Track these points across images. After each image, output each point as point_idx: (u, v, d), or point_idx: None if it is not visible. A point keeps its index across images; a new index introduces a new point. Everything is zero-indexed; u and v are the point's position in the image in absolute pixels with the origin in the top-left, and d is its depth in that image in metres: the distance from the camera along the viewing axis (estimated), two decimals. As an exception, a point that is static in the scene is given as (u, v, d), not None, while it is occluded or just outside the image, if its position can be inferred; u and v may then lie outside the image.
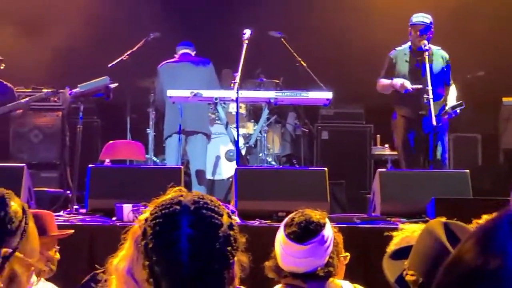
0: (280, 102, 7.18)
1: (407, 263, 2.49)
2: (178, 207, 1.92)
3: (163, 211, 1.93)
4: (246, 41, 7.13)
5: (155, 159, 8.88)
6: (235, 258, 1.98)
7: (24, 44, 9.33)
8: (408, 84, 7.23)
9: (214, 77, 8.15)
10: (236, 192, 5.78)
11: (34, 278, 1.98)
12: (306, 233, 3.05)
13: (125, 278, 2.57)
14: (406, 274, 2.47)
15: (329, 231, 3.11)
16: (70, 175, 6.78)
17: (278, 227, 5.15)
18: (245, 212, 5.54)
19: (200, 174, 8.03)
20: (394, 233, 3.28)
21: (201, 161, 8.11)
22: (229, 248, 1.92)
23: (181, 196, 2.00)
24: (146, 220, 2.00)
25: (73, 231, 4.17)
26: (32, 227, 1.97)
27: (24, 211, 1.96)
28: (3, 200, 1.92)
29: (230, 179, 8.49)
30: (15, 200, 1.96)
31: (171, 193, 2.51)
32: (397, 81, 7.30)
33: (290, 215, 3.16)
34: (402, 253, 2.63)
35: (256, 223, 5.42)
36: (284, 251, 3.08)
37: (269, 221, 5.51)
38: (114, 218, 5.55)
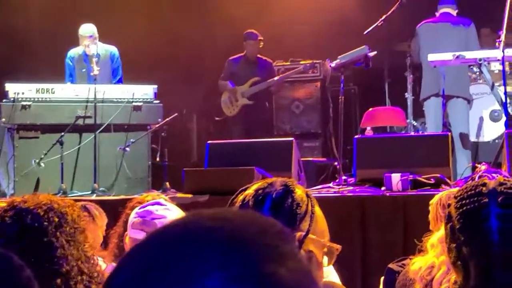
0: (551, 57, 6.71)
1: None
2: (484, 188, 1.91)
3: (468, 193, 1.93)
4: (511, -4, 6.71)
5: (414, 123, 8.76)
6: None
7: (281, 18, 9.60)
8: None
9: (474, 38, 7.78)
10: (508, 156, 5.52)
11: (325, 258, 2.03)
12: None
13: None
14: None
15: None
16: (335, 145, 6.90)
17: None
18: (520, 177, 5.27)
19: (464, 138, 7.78)
20: None
21: (463, 125, 7.85)
22: None
23: (484, 179, 1.99)
24: (448, 205, 2.00)
25: None
26: (318, 210, 2.03)
27: (308, 195, 2.02)
28: (288, 188, 2.00)
29: (496, 141, 8.15)
30: (298, 187, 2.03)
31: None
32: None
33: None
34: None
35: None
36: None
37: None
38: (383, 188, 5.56)
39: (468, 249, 1.89)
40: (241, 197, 2.02)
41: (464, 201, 1.92)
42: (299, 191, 2.01)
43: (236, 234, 0.84)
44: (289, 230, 0.90)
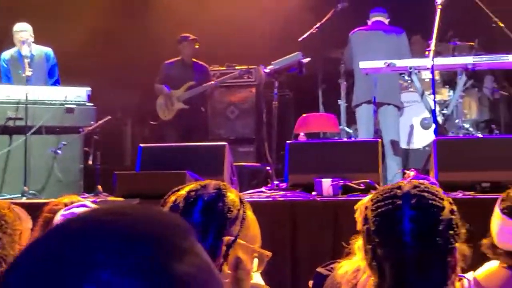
0: (478, 68, 6.87)
1: None
2: (398, 191, 1.95)
3: (384, 195, 1.96)
4: (440, 6, 6.86)
5: (348, 129, 8.87)
6: (457, 245, 1.97)
7: (214, 22, 9.60)
8: None
9: (406, 47, 7.95)
10: (436, 163, 5.64)
11: (255, 262, 2.04)
12: None
13: None
14: None
15: (551, 209, 2.94)
16: (269, 151, 6.94)
17: (482, 199, 5.02)
18: (446, 183, 5.39)
19: (394, 144, 7.93)
20: None
21: (394, 132, 7.99)
22: (451, 232, 1.93)
23: (401, 182, 2.04)
24: (366, 208, 2.03)
25: None
26: (251, 215, 2.03)
27: (241, 201, 2.02)
28: (220, 192, 2.00)
29: (426, 148, 8.32)
30: (231, 191, 2.03)
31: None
32: None
33: (507, 190, 3.02)
34: None
35: (459, 195, 5.26)
36: (499, 226, 2.97)
37: (472, 192, 5.33)
38: (314, 193, 5.61)
39: (382, 251, 1.93)
40: (172, 198, 2.01)
41: (379, 204, 1.96)
42: (232, 196, 2.01)
43: (134, 229, 0.85)
44: (189, 225, 0.91)
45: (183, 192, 2.00)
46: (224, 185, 2.05)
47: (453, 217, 1.97)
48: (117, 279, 0.80)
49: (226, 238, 1.94)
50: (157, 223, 0.88)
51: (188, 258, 0.86)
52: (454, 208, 1.99)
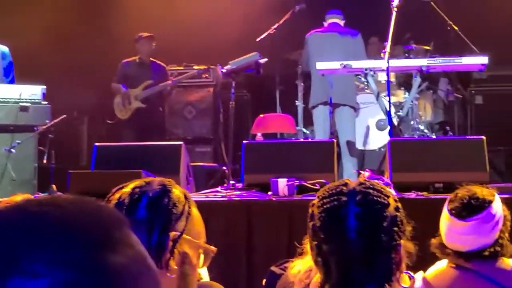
0: (432, 70, 6.96)
1: None
2: (344, 188, 1.97)
3: (330, 192, 1.98)
4: (395, 9, 6.93)
5: (305, 130, 8.92)
6: (402, 242, 1.99)
7: (173, 22, 9.57)
8: None
9: (361, 49, 8.03)
10: (390, 164, 5.70)
11: (201, 258, 2.05)
12: (468, 209, 2.95)
13: None
14: None
15: (497, 209, 2.98)
16: (225, 151, 6.94)
17: (435, 199, 5.09)
18: (400, 184, 5.46)
19: (350, 145, 7.99)
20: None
21: (350, 133, 8.06)
22: (395, 229, 1.96)
23: (347, 179, 2.06)
24: (312, 204, 2.05)
25: None
26: (195, 211, 2.04)
27: (185, 197, 2.03)
28: (165, 188, 2.00)
29: (382, 149, 8.40)
30: (176, 187, 2.04)
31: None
32: None
33: (456, 190, 3.06)
34: None
35: (412, 195, 5.32)
36: (447, 227, 3.01)
37: (425, 193, 5.40)
38: (269, 193, 5.62)
39: (328, 247, 1.94)
40: (117, 195, 2.01)
41: (325, 200, 1.97)
42: (177, 191, 2.02)
43: (66, 220, 0.84)
44: (123, 216, 0.91)
45: (128, 189, 2.00)
46: (169, 181, 2.06)
47: (398, 214, 1.98)
48: (47, 271, 0.79)
49: (172, 233, 1.94)
50: (90, 214, 0.87)
51: (121, 249, 0.85)
52: (399, 205, 2.02)
